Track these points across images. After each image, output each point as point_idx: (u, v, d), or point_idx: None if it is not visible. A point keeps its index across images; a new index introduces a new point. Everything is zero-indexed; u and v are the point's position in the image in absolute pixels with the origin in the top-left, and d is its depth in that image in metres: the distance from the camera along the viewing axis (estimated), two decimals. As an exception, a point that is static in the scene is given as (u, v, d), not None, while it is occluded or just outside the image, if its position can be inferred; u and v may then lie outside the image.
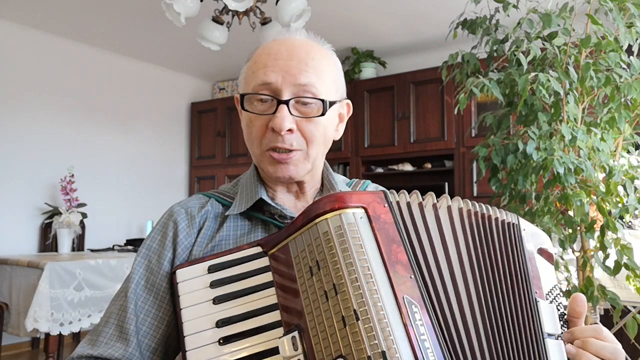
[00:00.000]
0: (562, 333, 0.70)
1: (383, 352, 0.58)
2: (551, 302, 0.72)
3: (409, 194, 0.72)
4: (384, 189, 0.77)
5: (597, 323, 0.76)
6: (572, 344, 0.68)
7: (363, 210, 0.67)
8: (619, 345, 0.69)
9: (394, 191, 0.71)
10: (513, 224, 0.74)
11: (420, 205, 0.70)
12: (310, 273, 0.66)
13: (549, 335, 0.68)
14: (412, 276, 0.64)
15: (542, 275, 0.73)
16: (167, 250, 0.84)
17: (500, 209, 0.75)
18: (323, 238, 0.66)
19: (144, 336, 0.81)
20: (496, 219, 0.73)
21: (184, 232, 0.86)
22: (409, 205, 0.70)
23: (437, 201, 0.72)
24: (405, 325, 0.60)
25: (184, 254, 0.84)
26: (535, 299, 0.69)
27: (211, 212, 0.89)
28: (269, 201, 0.87)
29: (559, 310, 0.72)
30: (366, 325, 0.59)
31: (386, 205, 0.69)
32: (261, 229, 0.87)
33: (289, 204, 0.91)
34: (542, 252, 0.75)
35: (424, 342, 0.60)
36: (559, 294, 0.74)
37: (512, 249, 0.72)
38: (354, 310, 0.60)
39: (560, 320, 0.71)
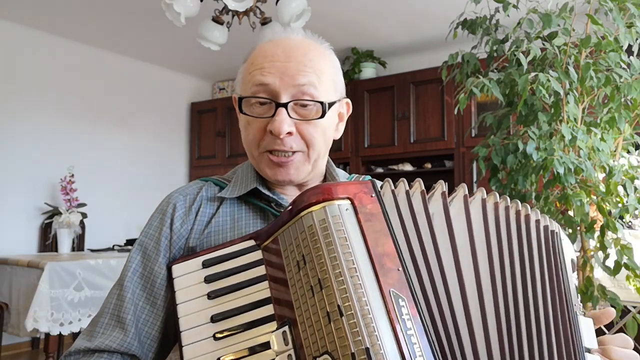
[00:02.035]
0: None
1: (367, 349, 0.56)
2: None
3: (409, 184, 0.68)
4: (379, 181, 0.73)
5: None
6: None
7: (349, 202, 0.65)
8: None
9: (390, 179, 0.68)
10: (553, 231, 0.70)
11: (423, 194, 0.67)
12: (298, 267, 0.65)
13: (587, 350, 0.66)
14: (400, 268, 0.61)
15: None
16: (164, 237, 0.84)
17: (543, 215, 0.71)
18: (308, 232, 0.64)
19: (143, 324, 0.81)
20: (526, 215, 0.68)
21: (181, 219, 0.85)
22: (407, 194, 0.67)
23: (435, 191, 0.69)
24: (391, 320, 0.58)
25: (181, 240, 0.84)
26: (576, 312, 0.66)
27: (205, 196, 0.88)
28: (264, 191, 0.86)
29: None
30: (350, 321, 0.57)
31: (374, 195, 0.66)
32: (259, 215, 0.86)
33: (291, 193, 0.89)
34: (572, 263, 0.72)
35: (411, 337, 0.58)
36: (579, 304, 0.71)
37: (549, 256, 0.68)
38: (338, 306, 0.59)
39: None
